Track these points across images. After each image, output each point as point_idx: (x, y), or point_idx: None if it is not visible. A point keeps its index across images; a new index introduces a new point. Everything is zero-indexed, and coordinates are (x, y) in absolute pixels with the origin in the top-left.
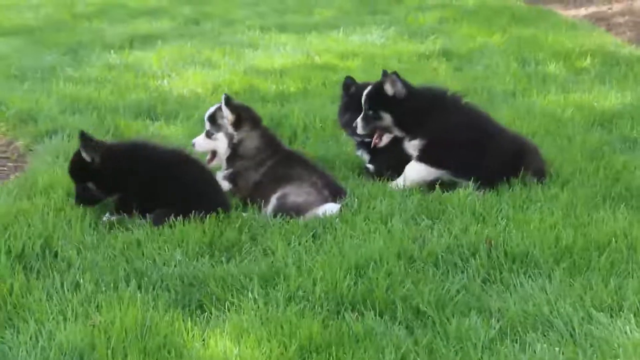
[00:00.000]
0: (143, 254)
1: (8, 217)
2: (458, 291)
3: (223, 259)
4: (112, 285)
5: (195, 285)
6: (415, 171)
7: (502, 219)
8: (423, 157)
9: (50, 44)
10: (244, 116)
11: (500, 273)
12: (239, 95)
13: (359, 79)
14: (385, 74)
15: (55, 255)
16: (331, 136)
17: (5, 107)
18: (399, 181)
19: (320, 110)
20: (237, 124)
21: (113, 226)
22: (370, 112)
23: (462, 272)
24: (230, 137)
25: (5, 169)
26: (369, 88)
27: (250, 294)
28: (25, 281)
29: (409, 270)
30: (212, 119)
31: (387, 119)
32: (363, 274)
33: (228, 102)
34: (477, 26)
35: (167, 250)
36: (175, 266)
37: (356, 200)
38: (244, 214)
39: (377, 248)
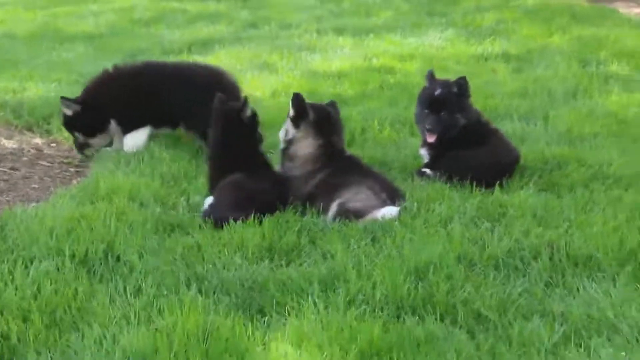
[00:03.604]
0: (203, 258)
1: (71, 222)
2: (520, 295)
3: (283, 262)
4: (173, 289)
5: (256, 290)
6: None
7: (563, 221)
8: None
9: (111, 49)
10: (310, 119)
11: (563, 277)
12: None
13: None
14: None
15: (118, 259)
16: (389, 139)
17: None
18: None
19: (378, 112)
20: (296, 122)
21: (173, 230)
22: None
23: (524, 275)
24: (285, 131)
25: (67, 174)
26: None
27: (310, 298)
28: (89, 285)
29: (470, 274)
30: None
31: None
32: (423, 278)
33: (297, 98)
34: (537, 27)
35: (227, 254)
36: (235, 270)
37: (415, 203)
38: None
39: (436, 251)
